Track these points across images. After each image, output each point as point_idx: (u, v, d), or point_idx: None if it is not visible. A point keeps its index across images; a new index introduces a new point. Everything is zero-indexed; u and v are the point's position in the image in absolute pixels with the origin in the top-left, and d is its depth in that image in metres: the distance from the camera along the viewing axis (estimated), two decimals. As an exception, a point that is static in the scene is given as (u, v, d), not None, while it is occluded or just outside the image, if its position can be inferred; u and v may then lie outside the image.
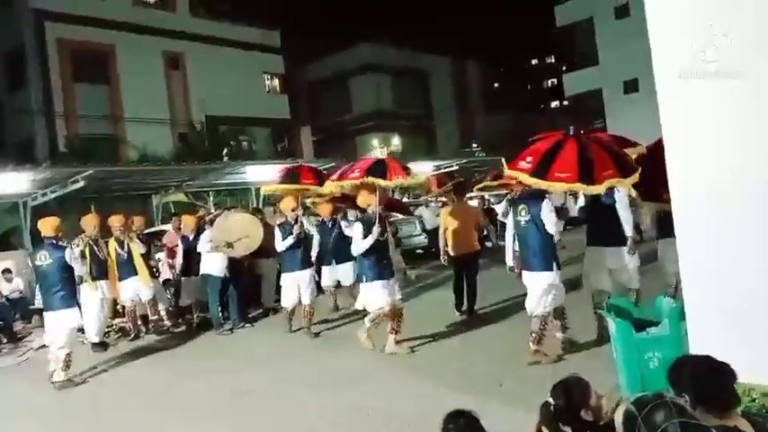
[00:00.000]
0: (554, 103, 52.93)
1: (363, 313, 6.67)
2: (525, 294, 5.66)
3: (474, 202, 12.20)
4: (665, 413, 1.99)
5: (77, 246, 7.59)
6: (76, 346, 6.99)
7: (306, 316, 7.61)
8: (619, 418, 2.21)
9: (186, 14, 26.13)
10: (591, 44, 28.24)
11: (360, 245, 6.39)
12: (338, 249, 8.42)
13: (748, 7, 3.41)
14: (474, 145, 35.97)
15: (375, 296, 6.37)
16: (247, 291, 9.21)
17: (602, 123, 26.01)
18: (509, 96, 46.55)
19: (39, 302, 9.80)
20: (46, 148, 21.28)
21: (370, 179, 6.47)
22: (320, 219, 8.94)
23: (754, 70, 3.38)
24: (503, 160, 5.36)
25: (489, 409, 3.12)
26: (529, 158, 5.00)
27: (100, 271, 8.10)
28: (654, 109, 3.77)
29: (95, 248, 8.07)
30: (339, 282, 8.79)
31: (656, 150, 4.65)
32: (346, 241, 8.64)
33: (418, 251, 13.38)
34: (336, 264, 8.62)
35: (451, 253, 7.69)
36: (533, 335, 5.57)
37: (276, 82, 29.88)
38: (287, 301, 7.84)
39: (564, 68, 31.83)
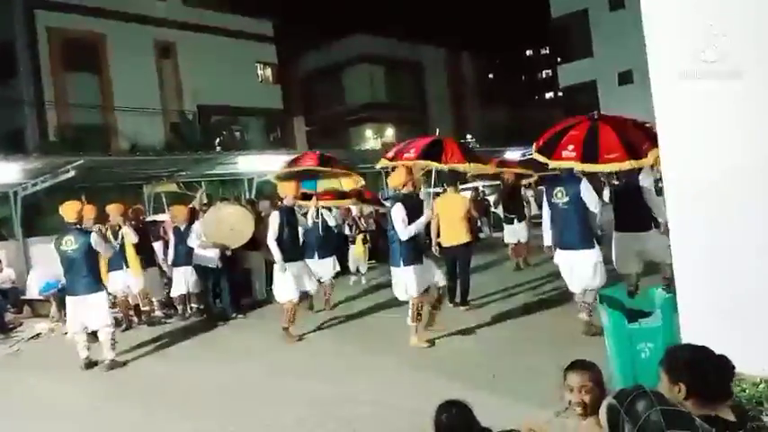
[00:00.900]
0: (548, 95, 52.94)
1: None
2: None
3: (467, 193, 12.14)
4: (645, 402, 2.02)
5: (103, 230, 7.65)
6: (64, 337, 6.94)
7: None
8: (603, 414, 2.26)
9: (178, 3, 25.91)
10: (586, 36, 28.25)
11: (411, 227, 5.85)
12: (321, 243, 8.32)
13: (748, 7, 3.41)
14: (468, 136, 35.94)
15: (415, 280, 5.95)
16: (239, 282, 9.17)
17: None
18: (504, 88, 46.52)
19: (30, 293, 9.84)
20: (36, 137, 21.13)
21: (424, 162, 6.34)
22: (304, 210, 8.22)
23: (753, 70, 3.39)
24: (533, 151, 5.61)
25: (480, 398, 3.11)
26: (570, 147, 5.24)
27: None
28: (648, 100, 3.81)
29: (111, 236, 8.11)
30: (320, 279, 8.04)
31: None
32: (330, 234, 8.58)
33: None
34: (319, 258, 8.25)
35: (443, 244, 7.65)
36: (586, 306, 5.65)
37: (269, 72, 29.72)
38: (299, 288, 7.06)
39: (559, 60, 31.77)
